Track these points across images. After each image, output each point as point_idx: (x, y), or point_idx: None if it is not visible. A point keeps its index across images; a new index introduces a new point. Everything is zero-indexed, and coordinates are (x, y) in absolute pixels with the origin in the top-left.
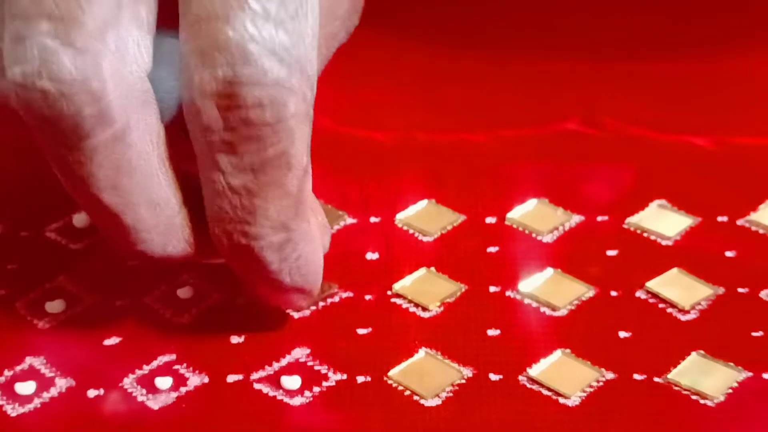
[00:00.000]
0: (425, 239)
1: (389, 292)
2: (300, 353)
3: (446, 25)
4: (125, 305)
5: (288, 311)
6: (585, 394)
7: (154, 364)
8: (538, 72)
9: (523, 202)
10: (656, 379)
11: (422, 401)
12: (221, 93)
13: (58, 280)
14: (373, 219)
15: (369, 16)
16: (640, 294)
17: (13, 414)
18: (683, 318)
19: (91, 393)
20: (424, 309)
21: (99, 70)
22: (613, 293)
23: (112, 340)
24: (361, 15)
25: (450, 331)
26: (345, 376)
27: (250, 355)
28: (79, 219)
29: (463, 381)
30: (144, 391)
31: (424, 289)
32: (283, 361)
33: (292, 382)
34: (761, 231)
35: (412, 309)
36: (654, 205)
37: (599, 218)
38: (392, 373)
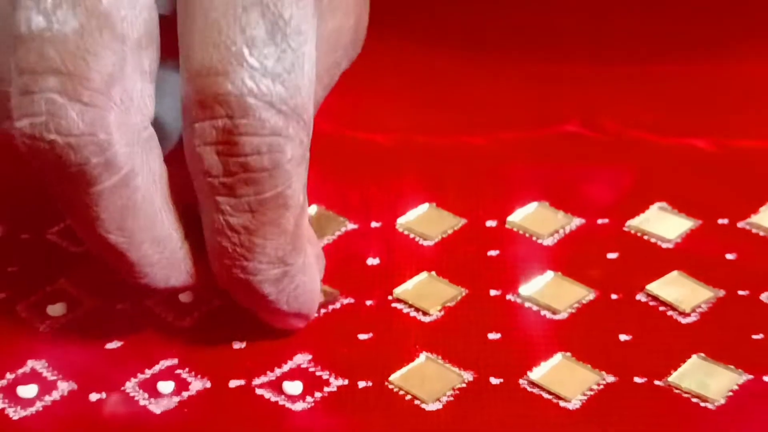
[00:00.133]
0: (426, 243)
1: (390, 297)
2: (302, 359)
3: (446, 27)
4: (127, 309)
5: None
6: (585, 398)
7: (156, 368)
8: (538, 74)
9: (524, 205)
10: (657, 382)
11: (423, 405)
12: (221, 141)
13: (59, 283)
14: (374, 224)
15: (369, 19)
16: (640, 297)
17: (15, 417)
18: (684, 321)
19: (93, 396)
20: (425, 313)
21: (106, 123)
22: (614, 296)
23: (113, 344)
24: (363, 43)
25: (451, 336)
26: (346, 382)
27: (252, 361)
28: None
29: (464, 385)
30: (146, 395)
31: (425, 294)
32: (285, 367)
33: (293, 387)
34: (762, 233)
35: (413, 314)
36: (654, 208)
37: (600, 221)
38: (393, 377)
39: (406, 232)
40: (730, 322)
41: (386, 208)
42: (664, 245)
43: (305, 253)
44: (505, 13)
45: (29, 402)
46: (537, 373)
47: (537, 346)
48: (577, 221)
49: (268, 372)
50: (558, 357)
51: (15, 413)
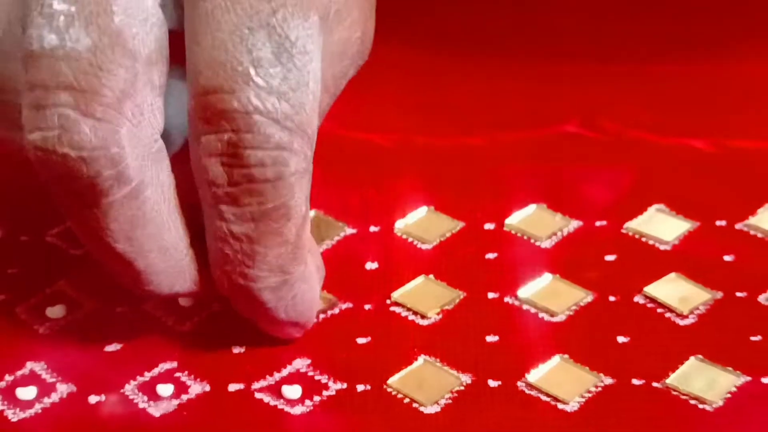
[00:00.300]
0: (424, 247)
1: (388, 301)
2: (300, 363)
3: (445, 28)
4: (126, 311)
5: None
6: (584, 400)
7: (156, 371)
8: (537, 75)
9: (522, 208)
10: (655, 384)
11: (422, 408)
12: (226, 153)
13: (58, 285)
14: (372, 228)
15: None
16: (638, 299)
17: (14, 419)
18: (681, 323)
19: (92, 399)
20: (423, 316)
21: (118, 137)
22: (612, 298)
23: (113, 346)
24: (370, 52)
25: (449, 338)
26: (345, 385)
27: (252, 365)
28: None
29: (462, 388)
30: (145, 398)
31: (423, 297)
32: (284, 371)
33: (292, 391)
34: (760, 235)
35: (411, 317)
36: (652, 210)
37: (597, 223)
38: (392, 381)
39: (404, 236)
40: (728, 323)
41: (385, 211)
42: (662, 247)
43: (306, 263)
44: (504, 14)
45: (28, 404)
46: (535, 376)
47: (535, 348)
48: (575, 223)
49: (267, 376)
50: (556, 359)
51: (14, 415)
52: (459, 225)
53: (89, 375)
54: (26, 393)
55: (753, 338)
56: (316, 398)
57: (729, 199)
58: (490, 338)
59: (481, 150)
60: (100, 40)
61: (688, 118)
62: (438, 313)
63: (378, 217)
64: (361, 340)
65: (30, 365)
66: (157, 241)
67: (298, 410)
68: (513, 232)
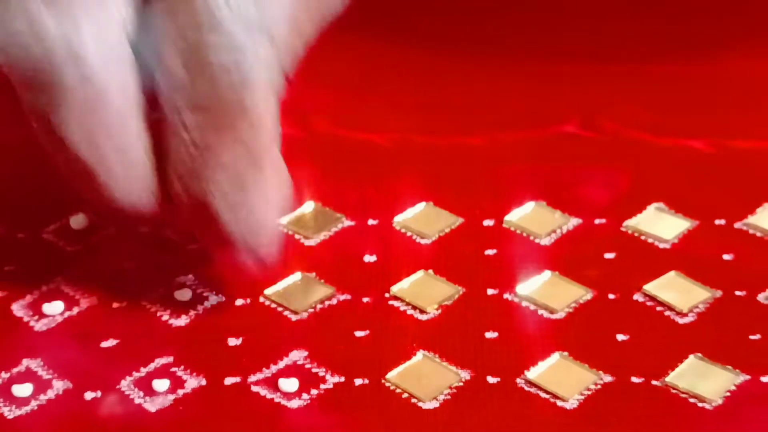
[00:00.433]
0: (423, 242)
1: (387, 295)
2: (298, 356)
3: (444, 28)
4: (122, 307)
5: (285, 313)
6: (583, 397)
7: (152, 366)
8: (536, 75)
9: (521, 205)
10: (654, 382)
11: (420, 404)
12: (189, 54)
13: (55, 282)
14: (371, 221)
15: (366, 20)
16: (637, 297)
17: (10, 416)
18: (681, 321)
19: (89, 395)
20: (422, 311)
21: (80, 32)
22: (611, 296)
23: (109, 342)
24: None
25: (448, 334)
26: (343, 379)
27: (248, 358)
28: (77, 221)
29: (461, 384)
30: (141, 394)
31: (422, 292)
32: (281, 364)
33: (289, 384)
34: (759, 234)
35: (410, 312)
36: (652, 208)
37: (597, 221)
38: (390, 375)
39: (403, 230)
40: (727, 322)
41: (383, 205)
42: (662, 245)
43: (265, 181)
44: (503, 13)
45: (24, 401)
46: (534, 373)
47: (534, 345)
48: (574, 221)
49: (263, 369)
50: (555, 356)
51: (10, 412)
52: (458, 221)
53: (85, 371)
54: (22, 390)
55: (752, 337)
56: (314, 392)
57: (728, 198)
58: (490, 334)
59: (481, 150)
60: None
61: (686, 119)
62: (437, 309)
63: (377, 211)
64: (359, 333)
65: (26, 362)
66: (121, 148)
67: (295, 404)
68: (512, 228)
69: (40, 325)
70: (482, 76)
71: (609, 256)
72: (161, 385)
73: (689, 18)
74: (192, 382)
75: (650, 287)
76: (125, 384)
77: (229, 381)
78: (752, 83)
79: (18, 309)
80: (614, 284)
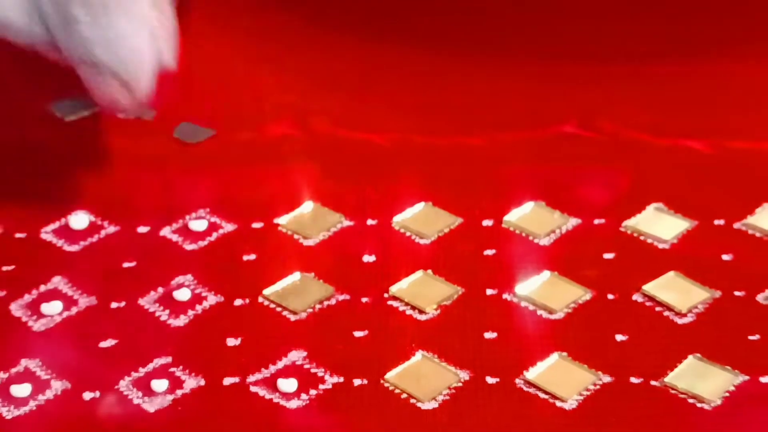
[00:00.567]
0: (422, 242)
1: (386, 295)
2: (296, 356)
3: (443, 29)
4: (121, 307)
5: (284, 313)
6: (582, 398)
7: (150, 366)
8: (536, 75)
9: (520, 205)
10: (653, 383)
11: (419, 404)
12: None
13: (53, 282)
14: (370, 221)
15: (366, 21)
16: (636, 297)
17: (9, 416)
18: (680, 321)
19: (87, 395)
20: (421, 312)
21: None
22: (610, 296)
23: (107, 342)
24: None
25: (447, 334)
26: (342, 379)
27: (247, 358)
28: (76, 220)
29: (460, 384)
30: (140, 394)
31: (421, 292)
32: (280, 364)
33: (288, 384)
34: (758, 234)
35: (409, 312)
36: (651, 209)
37: (596, 221)
38: (389, 376)
39: (402, 230)
40: (726, 322)
41: (383, 206)
42: (661, 246)
43: (134, 12)
44: (502, 14)
45: (23, 401)
46: (533, 373)
47: (533, 345)
48: (573, 221)
49: (262, 369)
50: (554, 357)
51: (8, 412)
52: (457, 221)
53: (84, 371)
54: (21, 390)
55: (751, 337)
56: (312, 392)
57: (727, 199)
58: (489, 335)
59: (480, 150)
60: None
61: (686, 119)
62: (436, 309)
63: (376, 211)
64: (358, 334)
65: (24, 362)
66: None
67: (294, 404)
68: (511, 229)
69: (38, 325)
70: (482, 77)
71: (608, 256)
72: (160, 385)
73: (689, 19)
74: (191, 383)
75: (649, 287)
76: (124, 384)
77: (227, 381)
78: (751, 84)
79: (16, 309)
80: (613, 284)
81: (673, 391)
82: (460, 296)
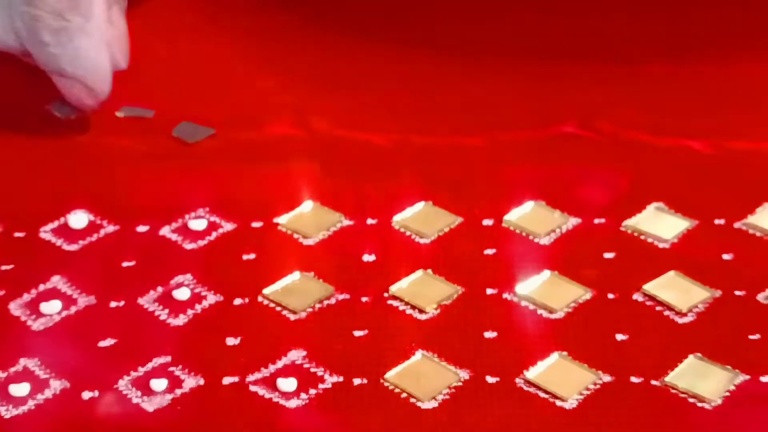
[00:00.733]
0: (422, 241)
1: (386, 294)
2: (296, 355)
3: (443, 29)
4: (120, 307)
5: (284, 313)
6: (582, 397)
7: (149, 365)
8: (536, 75)
9: (520, 205)
10: (653, 382)
11: (419, 404)
12: None
13: (52, 281)
14: (369, 221)
15: (366, 21)
16: (637, 297)
17: (7, 416)
18: (680, 321)
19: (86, 395)
20: (421, 311)
21: None
22: (610, 296)
23: (107, 342)
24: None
25: (447, 334)
26: (341, 379)
27: (246, 358)
28: (75, 220)
29: (460, 383)
30: (139, 393)
31: (421, 292)
32: (279, 363)
33: (288, 384)
34: (758, 234)
35: (409, 311)
36: (651, 208)
37: (596, 221)
38: (389, 375)
39: (402, 230)
40: (726, 322)
41: (382, 205)
42: (661, 245)
43: (88, 22)
44: (502, 15)
45: (21, 400)
46: (533, 372)
47: (533, 345)
48: (573, 221)
49: (262, 368)
50: (554, 356)
51: (7, 412)
52: (457, 220)
53: (83, 371)
54: (19, 389)
55: (752, 337)
56: (312, 391)
57: (727, 199)
58: (489, 334)
59: (480, 150)
60: None
61: (685, 119)
62: (436, 308)
63: (375, 210)
64: (358, 333)
65: (23, 361)
66: None
67: (293, 404)
68: (511, 228)
69: (37, 325)
70: (482, 77)
71: (608, 255)
72: (159, 384)
73: (689, 19)
74: (190, 382)
75: (650, 287)
76: (123, 384)
77: (227, 381)
78: (751, 84)
79: (15, 308)
80: (613, 284)
81: (673, 391)
82: (460, 296)
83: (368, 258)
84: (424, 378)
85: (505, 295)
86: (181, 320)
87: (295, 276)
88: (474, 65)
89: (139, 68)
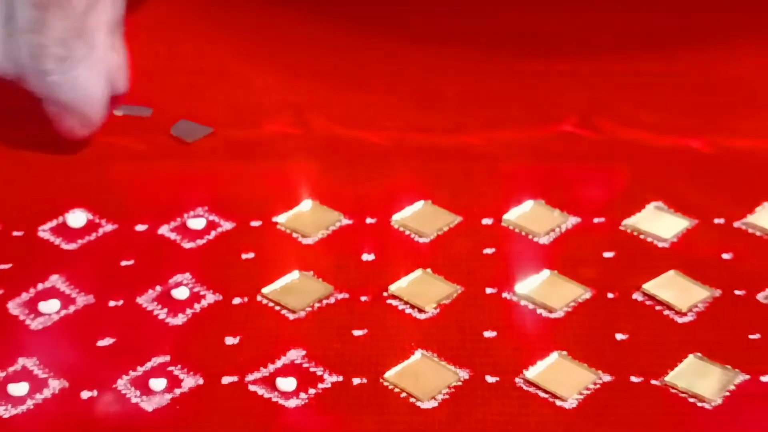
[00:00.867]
0: (421, 240)
1: (385, 294)
2: (295, 354)
3: (442, 27)
4: (119, 306)
5: (283, 312)
6: (582, 397)
7: (148, 365)
8: (535, 73)
9: (520, 204)
10: (653, 382)
11: (418, 403)
12: None
13: (51, 281)
14: (369, 220)
15: (365, 18)
16: (636, 296)
17: (6, 415)
18: (680, 320)
19: (85, 394)
20: (420, 310)
21: None
22: (610, 295)
23: (105, 341)
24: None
25: (446, 333)
26: (340, 378)
27: (245, 357)
28: (73, 219)
29: (459, 383)
30: (138, 393)
31: (420, 291)
32: (279, 363)
33: (287, 383)
34: (758, 233)
35: (408, 311)
36: (650, 207)
37: (596, 220)
38: (388, 375)
39: (401, 229)
40: (726, 321)
41: (381, 204)
42: (660, 244)
43: (92, 52)
44: (501, 12)
45: (20, 400)
46: (533, 372)
47: (533, 344)
48: (572, 220)
49: (261, 368)
50: (554, 356)
51: (6, 411)
52: (456, 219)
53: (81, 370)
54: (18, 389)
55: (751, 336)
56: (311, 391)
57: (727, 198)
58: (488, 334)
59: (479, 148)
60: None
61: (685, 118)
62: (435, 308)
63: (374, 209)
64: (357, 332)
65: (22, 361)
66: None
67: (292, 403)
68: (511, 227)
69: (36, 324)
70: (480, 75)
71: (608, 255)
72: (158, 384)
73: (687, 19)
74: (189, 381)
75: (649, 286)
76: (122, 383)
77: (226, 380)
78: (750, 83)
79: (14, 307)
80: (613, 283)
81: (673, 390)
82: (459, 295)
83: (367, 257)
84: (423, 377)
85: (505, 295)
86: (179, 319)
87: (294, 275)
88: (473, 64)
89: (137, 67)
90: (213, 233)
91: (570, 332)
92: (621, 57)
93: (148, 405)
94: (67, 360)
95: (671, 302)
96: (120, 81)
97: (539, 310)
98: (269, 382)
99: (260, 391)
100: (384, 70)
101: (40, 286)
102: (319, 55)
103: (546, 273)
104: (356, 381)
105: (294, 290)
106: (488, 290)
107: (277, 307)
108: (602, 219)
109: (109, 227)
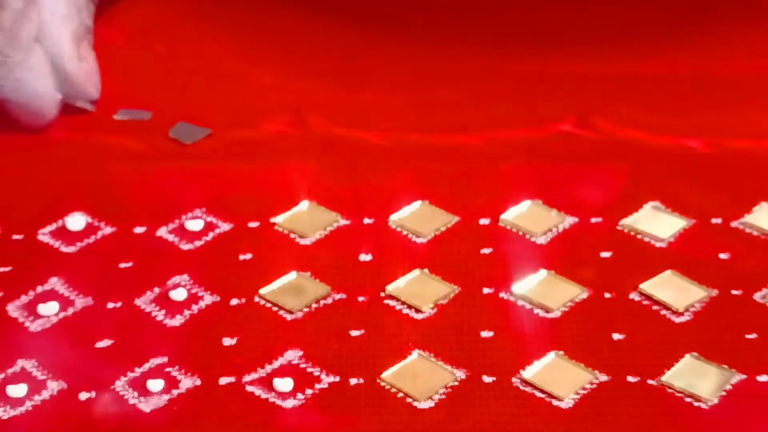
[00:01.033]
0: (419, 240)
1: (382, 294)
2: (292, 355)
3: (440, 26)
4: (117, 308)
5: (280, 312)
6: (578, 397)
7: (146, 366)
8: (533, 74)
9: (517, 204)
10: (650, 382)
11: (415, 403)
12: None
13: (50, 283)
14: (366, 220)
15: (364, 19)
16: (633, 296)
17: (5, 417)
18: (677, 320)
19: (83, 395)
20: (417, 311)
21: None
22: (607, 295)
23: (104, 343)
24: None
25: (443, 333)
26: (338, 379)
27: (243, 358)
28: (72, 222)
29: (457, 383)
30: (136, 394)
31: (418, 291)
32: (276, 363)
33: (284, 384)
34: (755, 233)
35: (405, 311)
36: (648, 207)
37: (593, 220)
38: (385, 375)
39: (398, 229)
40: (723, 321)
41: (379, 204)
42: (658, 244)
43: (28, 55)
44: (500, 13)
45: (19, 401)
46: (530, 372)
47: (530, 344)
48: (570, 220)
49: (258, 369)
50: (551, 356)
51: (4, 413)
52: (454, 219)
53: (80, 372)
54: (17, 390)
55: (748, 336)
56: (309, 391)
57: (724, 198)
58: (485, 334)
59: (476, 148)
60: None
61: (682, 118)
62: (432, 308)
63: (372, 209)
64: (354, 333)
65: (21, 362)
66: None
67: (290, 404)
68: (508, 227)
69: (35, 326)
70: (478, 75)
71: (605, 254)
72: (156, 385)
73: (685, 18)
74: (186, 382)
75: (646, 286)
76: (120, 384)
77: (223, 381)
78: (748, 83)
79: (13, 309)
80: (610, 283)
81: (670, 390)
82: (456, 295)
83: (365, 257)
84: (420, 378)
85: (502, 295)
86: (177, 321)
87: (292, 276)
88: (471, 64)
89: (135, 69)
90: (211, 234)
91: (567, 332)
92: (619, 57)
93: (146, 406)
94: (65, 361)
95: (668, 302)
96: (92, 87)
97: (536, 310)
98: (266, 382)
99: (257, 391)
100: (382, 71)
101: (39, 289)
102: (318, 55)
103: (543, 273)
104: (353, 381)
105: (291, 291)
106: (485, 290)
107: (275, 308)
108: (599, 219)
109: (107, 230)
